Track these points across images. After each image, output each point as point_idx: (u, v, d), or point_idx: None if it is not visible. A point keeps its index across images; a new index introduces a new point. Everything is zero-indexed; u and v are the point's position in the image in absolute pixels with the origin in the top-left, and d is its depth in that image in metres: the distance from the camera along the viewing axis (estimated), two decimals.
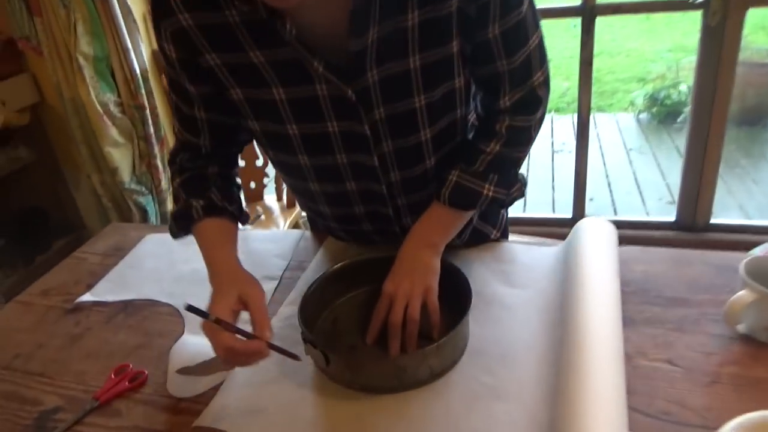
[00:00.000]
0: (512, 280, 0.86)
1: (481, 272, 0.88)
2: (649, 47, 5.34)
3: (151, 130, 2.13)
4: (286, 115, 0.76)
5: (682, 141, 3.76)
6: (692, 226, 2.23)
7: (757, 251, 1.41)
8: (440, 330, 0.74)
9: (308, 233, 1.08)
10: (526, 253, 0.93)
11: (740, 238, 2.16)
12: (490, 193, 0.81)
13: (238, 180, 0.92)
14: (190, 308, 0.67)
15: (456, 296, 0.77)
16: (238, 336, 0.67)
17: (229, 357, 0.67)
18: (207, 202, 0.82)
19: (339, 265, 0.84)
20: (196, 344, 0.80)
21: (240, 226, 0.88)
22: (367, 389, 0.69)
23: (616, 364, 0.64)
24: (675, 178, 3.25)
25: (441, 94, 0.76)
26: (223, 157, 0.88)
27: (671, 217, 2.35)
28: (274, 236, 1.08)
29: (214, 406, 0.70)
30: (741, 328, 0.70)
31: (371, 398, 0.69)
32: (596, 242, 0.83)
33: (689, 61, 4.25)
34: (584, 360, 0.64)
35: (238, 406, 0.70)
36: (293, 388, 0.72)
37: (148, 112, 2.10)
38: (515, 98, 0.78)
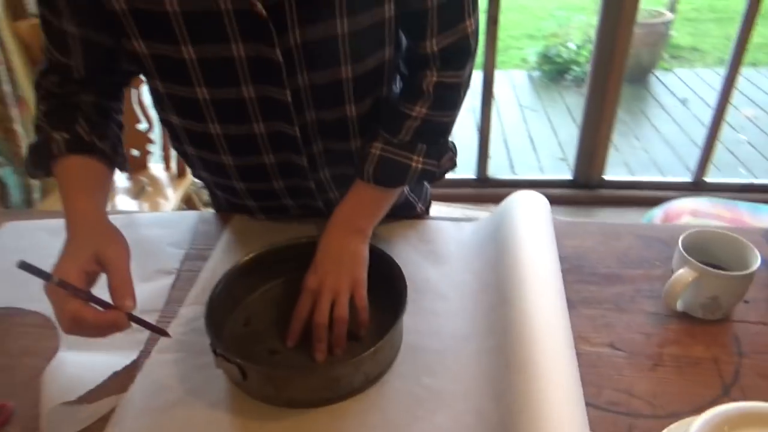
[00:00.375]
0: (443, 262, 0.80)
1: (409, 254, 0.81)
2: (538, 4, 5.47)
3: (7, 89, 1.82)
4: (181, 33, 0.62)
5: (571, 99, 3.92)
6: (587, 183, 2.32)
7: (656, 213, 1.47)
8: (369, 327, 0.67)
9: (207, 213, 0.95)
10: (454, 231, 0.86)
11: (632, 194, 2.28)
12: (420, 166, 0.72)
13: (120, 118, 0.77)
14: (24, 266, 0.54)
15: (385, 286, 0.69)
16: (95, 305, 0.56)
17: (74, 329, 0.56)
18: (72, 135, 0.68)
19: (248, 256, 0.73)
20: (77, 363, 0.66)
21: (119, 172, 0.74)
22: (294, 404, 0.60)
23: (567, 351, 0.60)
24: (565, 135, 3.39)
25: (368, 23, 0.66)
26: (100, 86, 0.73)
27: (567, 175, 2.43)
28: (167, 220, 0.94)
29: None
30: (677, 305, 0.69)
31: (298, 414, 0.60)
32: (531, 217, 0.78)
33: (579, 20, 4.40)
34: (534, 350, 0.59)
35: None
36: (203, 409, 0.61)
37: (1, 67, 1.78)
38: (444, 43, 0.69)
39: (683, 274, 0.65)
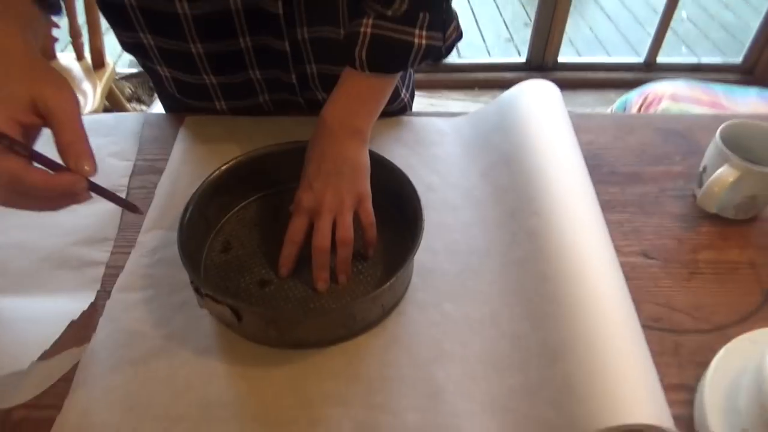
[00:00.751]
0: (445, 164, 0.69)
1: (407, 158, 0.70)
2: None
3: None
4: None
5: None
6: (541, 65, 2.22)
7: (632, 98, 1.41)
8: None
9: (153, 116, 0.78)
10: (448, 127, 0.75)
11: (586, 76, 2.22)
12: (423, 42, 0.58)
13: None
14: None
15: (387, 197, 0.59)
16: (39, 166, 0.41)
17: (13, 196, 0.41)
18: None
19: (220, 170, 0.60)
20: (17, 316, 0.53)
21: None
22: (301, 345, 0.51)
23: (611, 260, 0.53)
24: (510, 14, 3.23)
25: None
26: None
27: (519, 57, 2.32)
28: (103, 124, 0.77)
29: (70, 414, 0.47)
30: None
31: (307, 356, 0.51)
32: (544, 107, 0.68)
33: None
34: (573, 259, 0.51)
35: (112, 401, 0.48)
36: (190, 358, 0.51)
37: None
38: None
39: (724, 173, 0.58)
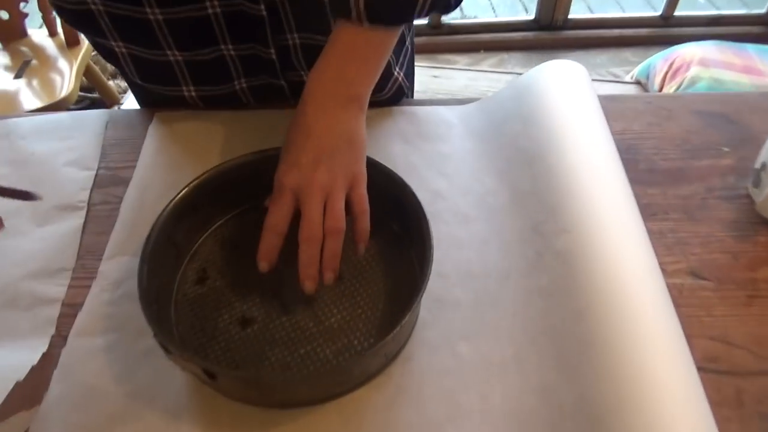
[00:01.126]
0: (456, 162, 0.60)
1: (407, 156, 0.60)
2: None
3: None
4: None
5: None
6: (551, 24, 2.08)
7: (655, 63, 1.29)
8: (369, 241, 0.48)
9: (119, 113, 0.69)
10: (454, 117, 0.65)
11: (599, 34, 2.08)
12: None
13: None
14: None
15: (385, 208, 0.50)
16: None
17: None
18: None
19: (188, 187, 0.50)
20: None
21: None
22: (290, 405, 0.43)
23: (660, 289, 0.45)
24: None
25: None
26: None
27: (526, 15, 2.18)
28: (60, 125, 0.66)
29: None
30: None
31: (296, 417, 0.43)
32: (571, 93, 0.58)
33: None
34: (615, 290, 0.43)
35: None
36: (160, 420, 0.43)
37: None
38: None
39: None
